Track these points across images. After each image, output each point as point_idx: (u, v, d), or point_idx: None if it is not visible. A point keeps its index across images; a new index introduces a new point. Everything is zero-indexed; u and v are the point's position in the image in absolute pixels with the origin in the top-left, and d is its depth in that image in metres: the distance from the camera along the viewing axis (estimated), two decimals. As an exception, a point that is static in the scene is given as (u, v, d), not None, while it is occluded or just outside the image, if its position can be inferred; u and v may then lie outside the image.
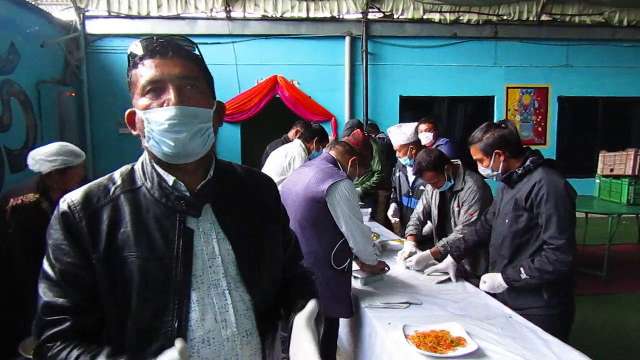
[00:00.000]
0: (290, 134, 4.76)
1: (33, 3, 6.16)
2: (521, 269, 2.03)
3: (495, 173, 2.17)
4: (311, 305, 1.01)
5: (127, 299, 0.90)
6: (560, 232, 1.96)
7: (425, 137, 4.00)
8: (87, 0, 6.95)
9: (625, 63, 8.12)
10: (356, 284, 2.37)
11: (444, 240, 2.65)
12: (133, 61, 0.94)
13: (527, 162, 2.09)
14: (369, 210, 4.19)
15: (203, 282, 0.95)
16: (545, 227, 1.99)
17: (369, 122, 7.31)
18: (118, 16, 7.10)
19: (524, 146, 2.18)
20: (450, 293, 2.29)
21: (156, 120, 0.90)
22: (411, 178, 3.43)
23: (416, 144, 3.36)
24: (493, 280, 2.14)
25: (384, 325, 1.92)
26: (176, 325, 0.90)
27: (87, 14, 7.06)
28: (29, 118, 5.70)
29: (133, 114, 0.96)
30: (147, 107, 0.92)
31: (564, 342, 1.74)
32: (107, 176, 1.01)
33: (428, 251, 2.64)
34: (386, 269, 2.48)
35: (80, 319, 0.90)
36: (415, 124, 3.52)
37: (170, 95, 0.90)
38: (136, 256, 0.91)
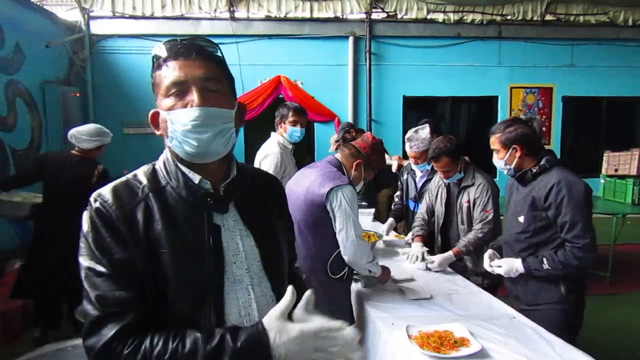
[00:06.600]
0: None
1: (38, 4, 6.20)
2: (544, 259, 2.06)
3: (508, 167, 2.17)
4: (306, 295, 0.97)
5: (163, 294, 0.92)
6: (585, 231, 2.02)
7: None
8: (92, 1, 6.98)
9: (630, 63, 8.08)
10: (357, 286, 2.36)
11: (465, 239, 2.65)
12: (157, 63, 0.97)
13: (543, 162, 2.09)
14: (373, 210, 4.18)
15: (228, 277, 0.98)
16: (569, 226, 2.02)
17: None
18: (122, 16, 7.13)
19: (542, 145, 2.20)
20: (454, 293, 2.29)
21: (180, 121, 0.92)
22: (419, 182, 3.35)
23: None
24: (510, 265, 2.15)
25: (387, 325, 1.92)
26: (214, 316, 0.93)
27: (91, 14, 7.10)
28: (34, 118, 5.73)
29: (157, 114, 0.99)
30: (171, 108, 0.94)
31: (573, 339, 1.74)
32: (129, 176, 1.00)
33: (450, 252, 2.63)
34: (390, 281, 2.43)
35: (140, 310, 0.89)
36: (427, 126, 3.29)
37: (194, 96, 0.92)
38: (169, 252, 0.92)
